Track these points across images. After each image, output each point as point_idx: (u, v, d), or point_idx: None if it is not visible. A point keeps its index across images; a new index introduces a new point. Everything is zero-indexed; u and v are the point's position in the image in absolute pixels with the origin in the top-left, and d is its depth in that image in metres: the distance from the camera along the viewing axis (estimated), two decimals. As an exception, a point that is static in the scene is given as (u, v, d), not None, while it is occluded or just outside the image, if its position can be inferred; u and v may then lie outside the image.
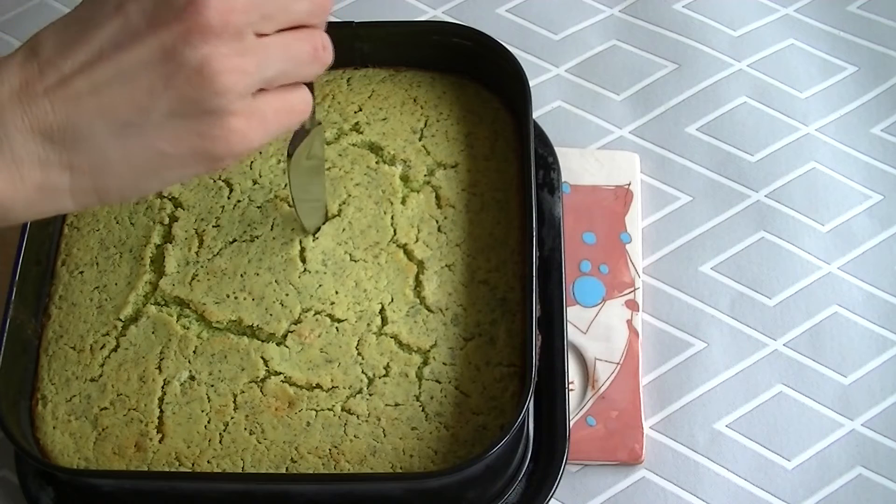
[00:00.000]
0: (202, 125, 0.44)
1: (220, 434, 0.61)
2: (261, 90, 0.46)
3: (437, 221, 0.67)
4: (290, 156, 0.59)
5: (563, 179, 0.73)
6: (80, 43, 0.44)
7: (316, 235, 0.66)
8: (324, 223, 0.67)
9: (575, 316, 0.70)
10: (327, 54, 0.48)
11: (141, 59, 0.43)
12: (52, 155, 0.44)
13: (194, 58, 0.43)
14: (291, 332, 0.64)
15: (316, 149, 0.61)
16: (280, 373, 0.63)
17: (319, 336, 0.63)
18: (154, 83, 0.43)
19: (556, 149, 0.74)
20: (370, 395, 0.62)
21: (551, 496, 0.63)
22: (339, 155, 0.70)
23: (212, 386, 0.62)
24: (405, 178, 0.69)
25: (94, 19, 0.44)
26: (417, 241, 0.66)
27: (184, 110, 0.44)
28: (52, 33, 0.45)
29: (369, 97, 0.72)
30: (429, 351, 0.63)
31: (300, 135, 0.58)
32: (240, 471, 0.60)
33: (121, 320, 0.65)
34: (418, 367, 0.62)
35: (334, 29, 0.66)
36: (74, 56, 0.44)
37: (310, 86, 0.51)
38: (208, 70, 0.43)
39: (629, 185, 0.75)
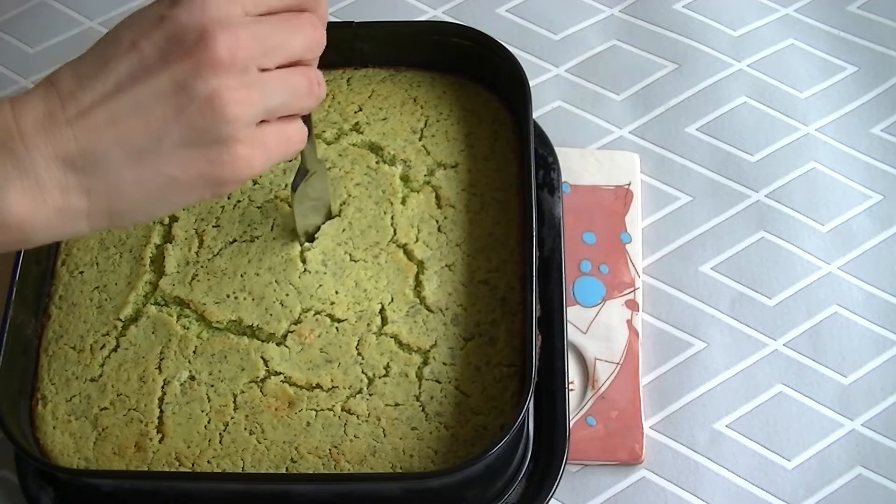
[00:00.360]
0: (211, 152, 0.47)
1: (220, 434, 0.61)
2: (262, 121, 0.49)
3: (437, 221, 0.67)
4: (294, 190, 0.62)
5: (563, 179, 0.73)
6: (98, 77, 0.47)
7: (316, 235, 0.67)
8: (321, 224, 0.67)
9: (575, 316, 0.70)
10: (321, 89, 0.52)
11: (155, 91, 0.46)
12: (72, 180, 0.47)
13: (205, 89, 0.46)
14: (291, 332, 0.64)
15: (319, 187, 0.64)
16: (280, 373, 0.63)
17: (319, 336, 0.63)
18: (167, 113, 0.46)
19: (556, 149, 0.74)
20: (370, 395, 0.62)
21: (551, 496, 0.63)
22: (339, 155, 0.70)
23: (212, 386, 0.62)
24: (405, 178, 0.69)
25: (110, 55, 0.47)
26: (417, 241, 0.66)
27: (194, 138, 0.47)
28: (70, 69, 0.48)
29: (369, 97, 0.72)
30: (429, 351, 0.63)
31: (302, 172, 0.61)
32: (240, 471, 0.60)
33: (121, 320, 0.65)
34: (418, 367, 0.62)
35: (334, 29, 0.66)
36: (93, 89, 0.47)
37: (308, 126, 0.54)
38: (218, 101, 0.46)
39: (629, 185, 0.75)
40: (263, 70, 0.48)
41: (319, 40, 0.51)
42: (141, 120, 0.46)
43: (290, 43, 0.49)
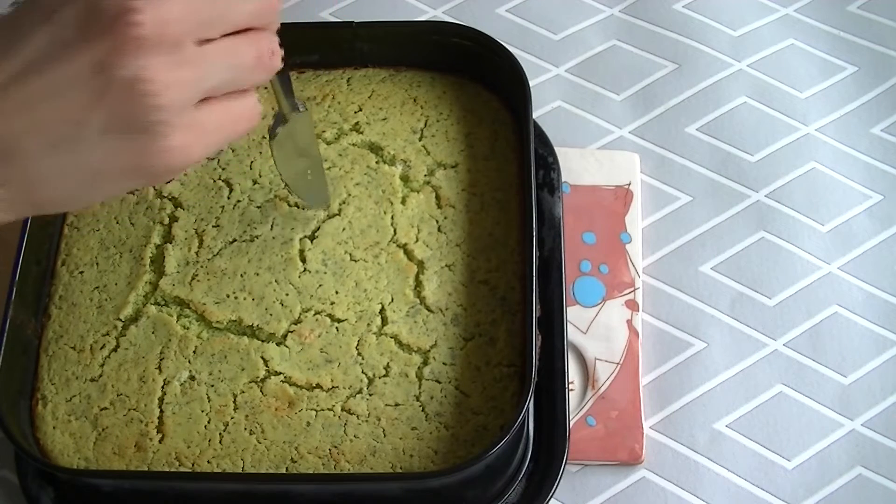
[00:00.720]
0: (138, 142, 0.42)
1: (220, 434, 0.61)
2: (204, 99, 0.44)
3: (437, 221, 0.67)
4: (271, 140, 0.59)
5: (563, 179, 0.73)
6: (11, 53, 0.42)
7: (315, 234, 0.67)
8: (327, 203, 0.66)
9: (575, 316, 0.70)
10: (275, 59, 0.46)
11: (72, 74, 0.41)
12: None
13: (127, 72, 0.40)
14: (291, 332, 0.64)
15: (301, 133, 0.59)
16: (280, 373, 0.63)
17: (319, 336, 0.63)
18: (86, 99, 0.41)
19: (556, 149, 0.74)
20: (370, 395, 0.62)
21: (551, 496, 0.63)
22: (339, 155, 0.70)
23: (212, 386, 0.62)
24: (405, 178, 0.69)
25: (25, 26, 0.42)
26: (417, 241, 0.66)
27: (119, 127, 0.42)
28: None
29: (369, 97, 0.72)
30: (429, 351, 0.63)
31: (279, 120, 0.58)
32: (240, 471, 0.60)
33: (121, 320, 0.65)
34: (418, 367, 0.62)
35: (334, 29, 0.66)
36: (4, 69, 0.42)
37: (283, 74, 0.49)
38: (143, 85, 0.41)
39: (629, 185, 0.75)
40: (205, 42, 0.42)
41: (269, 5, 0.45)
42: (57, 105, 0.41)
43: (234, 9, 0.43)
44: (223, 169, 0.69)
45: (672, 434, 0.68)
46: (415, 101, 0.72)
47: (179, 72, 0.41)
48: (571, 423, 0.65)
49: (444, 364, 0.62)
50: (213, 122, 0.44)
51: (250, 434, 0.61)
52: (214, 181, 0.69)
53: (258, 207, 0.68)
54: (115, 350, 0.64)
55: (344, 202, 0.68)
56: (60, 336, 0.65)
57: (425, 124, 0.71)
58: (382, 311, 0.64)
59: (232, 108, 0.45)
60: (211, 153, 0.45)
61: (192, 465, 0.61)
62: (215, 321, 0.64)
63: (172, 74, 0.41)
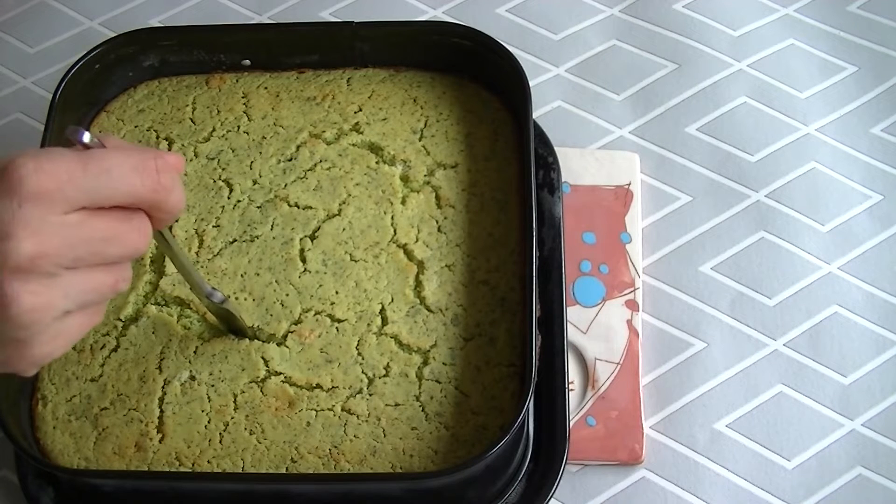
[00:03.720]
0: (5, 349, 0.46)
1: (220, 434, 0.61)
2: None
3: (437, 221, 0.67)
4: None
5: (563, 179, 0.73)
6: None
7: (316, 234, 0.67)
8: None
9: (575, 316, 0.70)
10: (125, 284, 0.50)
11: None
12: None
13: (1, 293, 0.43)
14: (292, 332, 0.64)
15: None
16: (280, 373, 0.63)
17: (319, 336, 0.63)
18: None
19: (556, 149, 0.74)
20: (370, 395, 0.62)
21: (551, 496, 0.63)
22: (339, 155, 0.70)
23: (212, 386, 0.62)
24: (405, 178, 0.69)
25: None
26: (417, 241, 0.66)
27: None
28: None
29: (369, 97, 0.72)
30: (429, 351, 0.63)
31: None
32: (240, 471, 0.60)
33: (121, 320, 0.65)
34: (418, 367, 0.62)
35: (334, 29, 0.66)
36: None
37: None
38: (14, 306, 0.44)
39: (629, 185, 0.75)
40: (72, 268, 0.46)
41: (140, 247, 0.48)
42: None
43: (105, 252, 0.46)
44: (223, 169, 0.70)
45: (672, 434, 0.68)
46: (415, 101, 0.72)
47: (48, 295, 0.45)
48: (571, 423, 0.65)
49: (444, 364, 0.62)
50: (74, 329, 0.48)
51: (250, 434, 0.61)
52: (214, 181, 0.69)
53: (258, 207, 0.68)
54: (115, 350, 0.64)
55: (344, 202, 0.68)
56: (60, 336, 0.65)
57: (425, 124, 0.71)
58: (382, 311, 0.64)
59: (90, 320, 0.49)
60: (71, 346, 0.49)
61: (193, 465, 0.61)
62: (216, 321, 0.64)
63: (41, 298, 0.45)
